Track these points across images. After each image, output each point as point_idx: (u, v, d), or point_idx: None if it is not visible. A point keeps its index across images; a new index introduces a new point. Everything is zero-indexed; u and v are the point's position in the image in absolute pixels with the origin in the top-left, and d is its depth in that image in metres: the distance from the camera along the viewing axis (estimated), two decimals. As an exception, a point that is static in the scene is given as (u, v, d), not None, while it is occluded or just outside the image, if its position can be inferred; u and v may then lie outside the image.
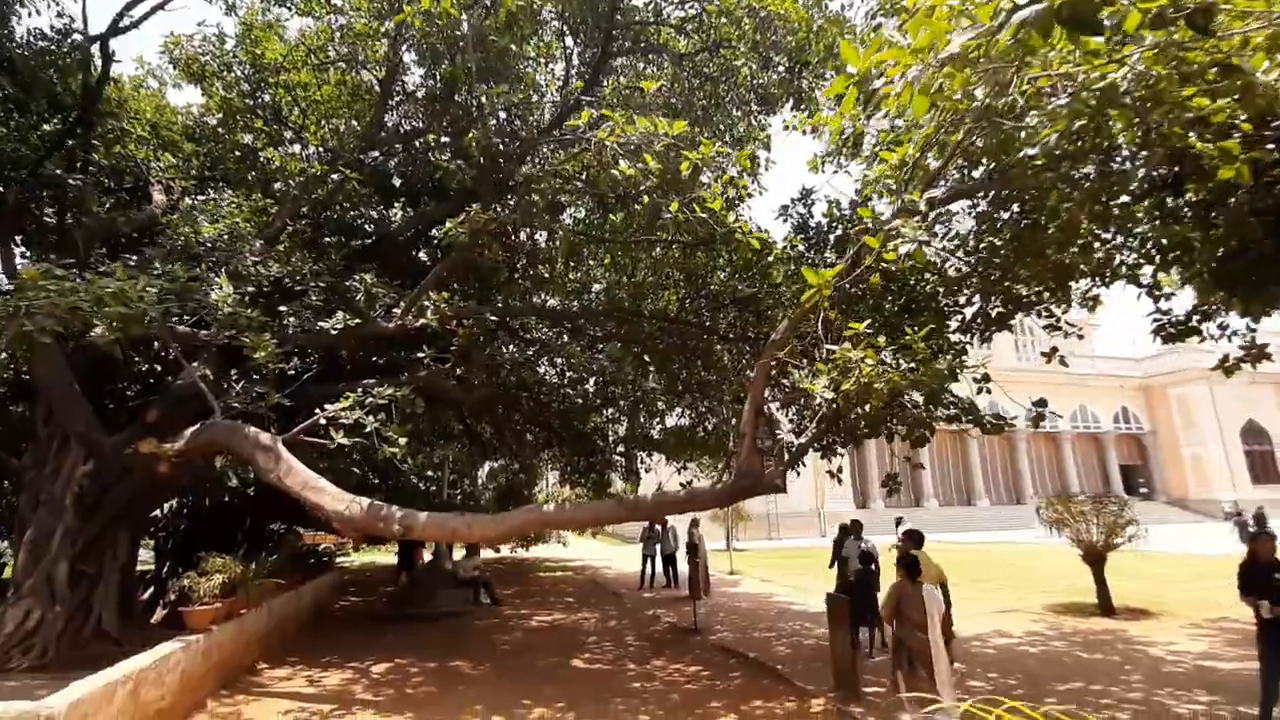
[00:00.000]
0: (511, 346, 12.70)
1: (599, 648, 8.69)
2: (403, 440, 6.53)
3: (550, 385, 14.99)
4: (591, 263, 12.00)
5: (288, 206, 10.04)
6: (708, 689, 6.62)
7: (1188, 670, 6.99)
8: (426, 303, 7.48)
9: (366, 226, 11.02)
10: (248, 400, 7.45)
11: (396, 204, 11.80)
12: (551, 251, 12.01)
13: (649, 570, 14.56)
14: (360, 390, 6.92)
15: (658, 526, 14.97)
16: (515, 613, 11.73)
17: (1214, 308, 6.71)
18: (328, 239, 10.75)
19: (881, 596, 6.70)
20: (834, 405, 6.51)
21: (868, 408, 5.80)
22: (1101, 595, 10.13)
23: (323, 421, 6.51)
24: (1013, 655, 7.78)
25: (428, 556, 13.99)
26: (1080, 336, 7.82)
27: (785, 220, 9.07)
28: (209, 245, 8.04)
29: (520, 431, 16.33)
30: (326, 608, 12.20)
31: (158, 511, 9.37)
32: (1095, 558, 10.19)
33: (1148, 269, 6.64)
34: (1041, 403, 6.28)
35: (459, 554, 13.24)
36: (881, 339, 5.01)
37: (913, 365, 4.90)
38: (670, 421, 14.48)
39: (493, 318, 7.75)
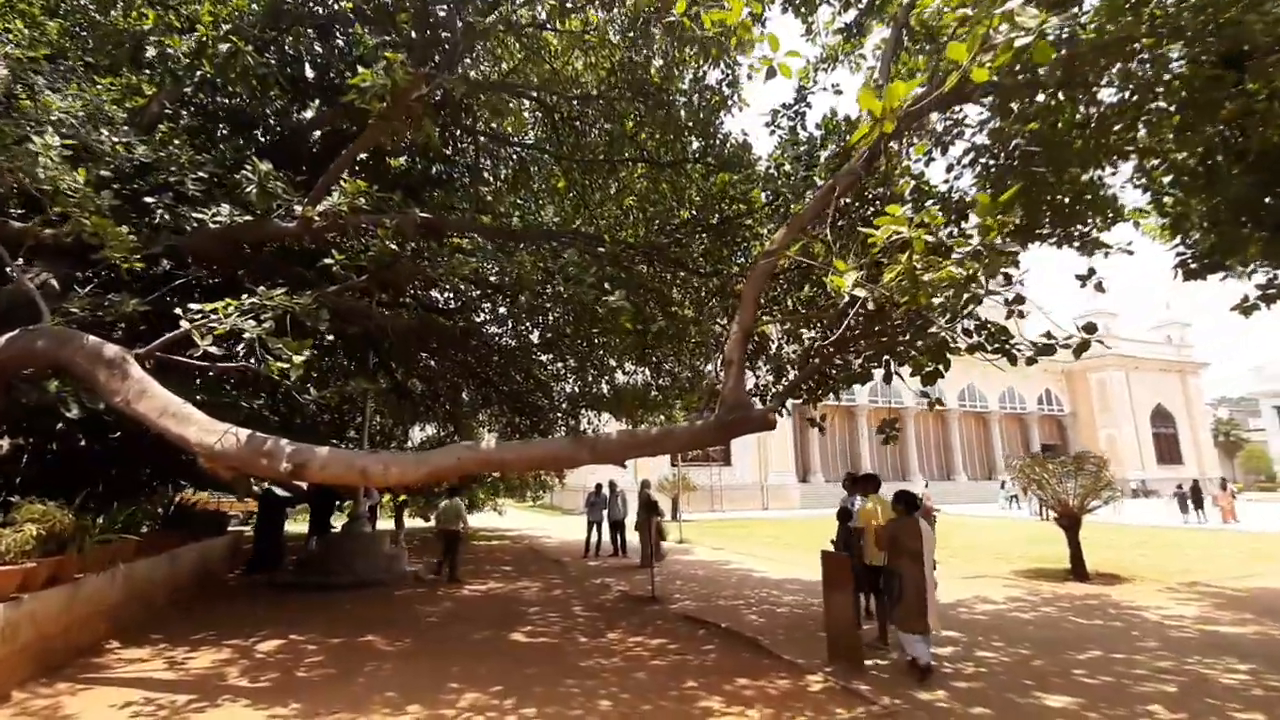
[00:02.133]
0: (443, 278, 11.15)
1: (543, 619, 7.44)
2: (299, 358, 5.00)
3: (488, 334, 13.51)
4: (541, 188, 10.52)
5: (167, 88, 8.12)
6: (678, 665, 5.48)
7: (1196, 635, 6.37)
8: (336, 195, 5.89)
9: (269, 120, 9.12)
10: (94, 309, 5.73)
11: (310, 103, 9.90)
12: (497, 169, 10.45)
13: (594, 538, 13.37)
14: (244, 296, 5.35)
15: (604, 490, 13.78)
16: (443, 581, 10.31)
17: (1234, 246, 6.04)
18: (221, 131, 8.84)
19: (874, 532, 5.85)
20: (857, 315, 5.44)
21: (902, 311, 4.76)
22: (1075, 560, 9.64)
23: (185, 325, 4.90)
24: (1008, 622, 7.02)
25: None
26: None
27: (773, 132, 7.89)
28: (58, 124, 6.15)
29: (454, 385, 14.78)
30: (217, 576, 10.42)
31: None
32: (1071, 521, 9.69)
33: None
34: (1090, 328, 5.33)
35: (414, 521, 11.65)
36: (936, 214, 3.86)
37: (978, 250, 3.78)
38: (620, 379, 13.28)
39: (422, 215, 6.21)
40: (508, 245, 8.50)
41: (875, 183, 6.78)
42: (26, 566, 4.66)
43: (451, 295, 11.70)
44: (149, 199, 6.73)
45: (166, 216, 6.74)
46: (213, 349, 4.88)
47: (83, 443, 8.47)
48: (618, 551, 13.10)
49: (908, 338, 5.57)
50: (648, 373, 12.10)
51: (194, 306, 4.99)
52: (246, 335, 4.83)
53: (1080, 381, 43.62)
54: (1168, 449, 42.34)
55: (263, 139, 8.91)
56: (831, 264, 5.44)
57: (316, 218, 6.19)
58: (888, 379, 6.58)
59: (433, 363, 14.67)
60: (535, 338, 13.57)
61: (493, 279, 11.21)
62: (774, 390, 7.86)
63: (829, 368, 6.67)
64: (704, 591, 9.04)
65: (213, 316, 4.92)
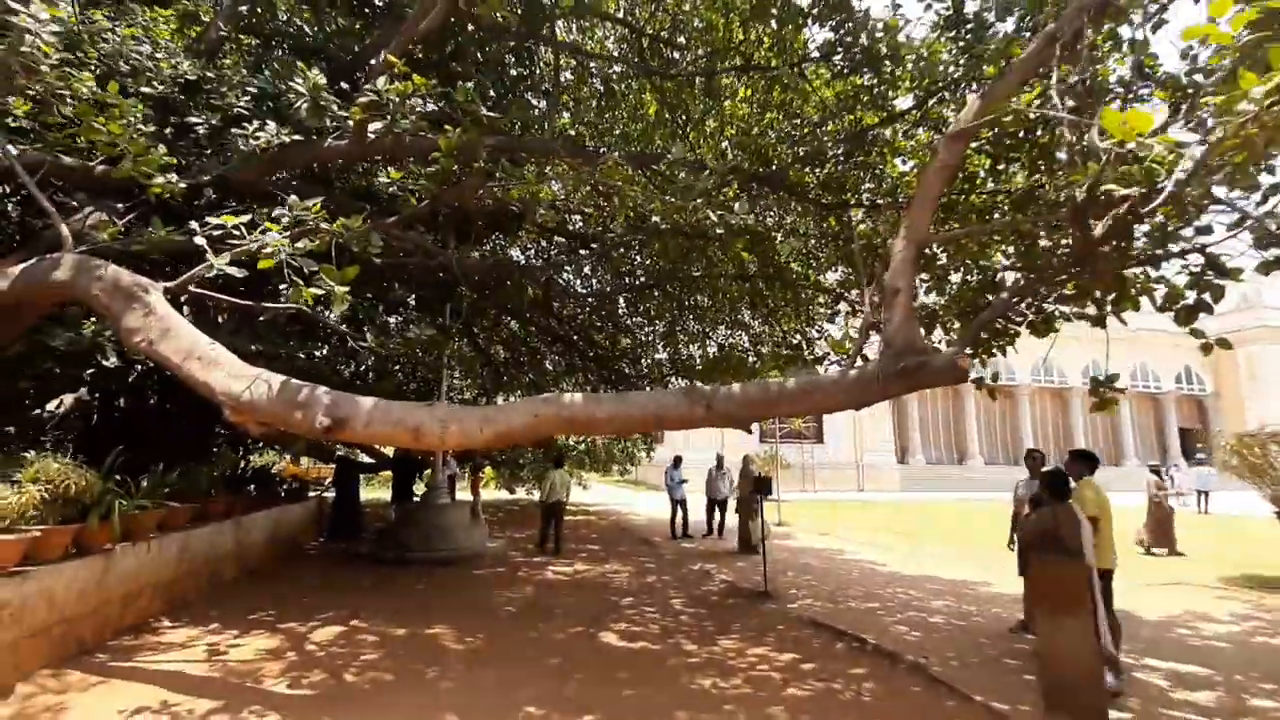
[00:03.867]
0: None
1: (639, 615, 6.23)
2: (341, 288, 3.92)
3: (572, 291, 12.40)
4: (629, 117, 9.13)
5: (225, 9, 7.32)
6: (824, 697, 4.10)
7: None
8: (384, 83, 4.72)
9: (332, 44, 8.20)
10: (123, 239, 4.92)
11: (376, 26, 8.94)
12: (579, 90, 9.13)
13: (680, 516, 12.04)
14: (280, 205, 4.35)
15: (679, 466, 12.40)
16: (526, 560, 9.36)
17: None
18: (279, 54, 8.01)
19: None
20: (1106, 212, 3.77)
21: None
22: (1313, 568, 7.47)
23: (200, 242, 3.92)
24: (1262, 653, 5.17)
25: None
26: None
27: (928, 6, 6.10)
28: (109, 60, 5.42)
29: (538, 351, 13.85)
30: (299, 544, 9.95)
31: (41, 410, 6.97)
32: (1308, 517, 7.50)
33: None
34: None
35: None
36: None
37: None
38: (713, 348, 11.87)
39: (490, 114, 4.98)
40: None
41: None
42: (29, 535, 3.85)
43: (531, 249, 10.59)
44: (193, 118, 5.90)
45: (208, 139, 5.92)
46: (231, 270, 3.88)
47: (153, 400, 8.04)
48: (712, 531, 11.76)
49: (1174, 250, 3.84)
50: (751, 332, 10.64)
51: (211, 220, 4.00)
52: (268, 250, 3.78)
53: (1225, 357, 38.03)
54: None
55: (324, 65, 8.01)
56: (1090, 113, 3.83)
57: (369, 123, 5.11)
58: (1100, 320, 4.89)
59: (514, 325, 13.83)
60: (623, 301, 12.41)
61: (578, 224, 10.05)
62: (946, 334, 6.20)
63: (1030, 301, 4.97)
64: (825, 589, 7.57)
65: (232, 230, 3.91)
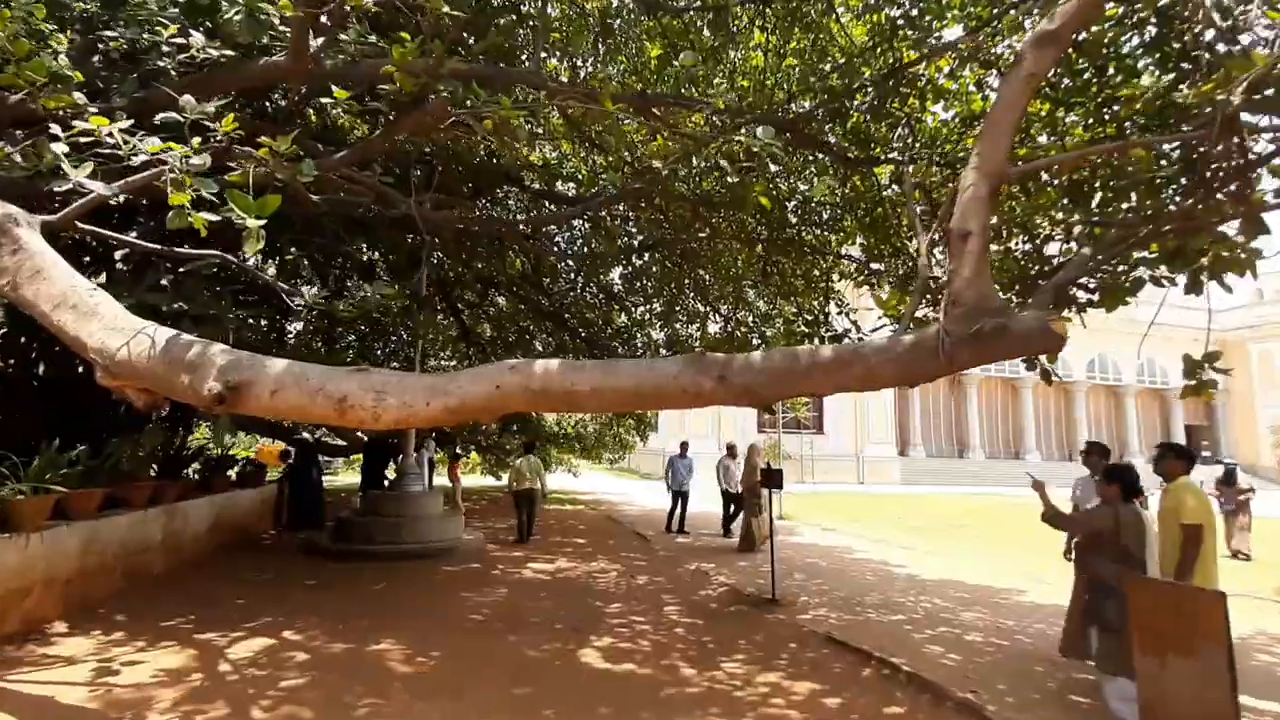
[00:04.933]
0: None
1: (627, 626, 5.36)
2: (255, 221, 2.97)
3: (566, 265, 11.49)
4: (627, 60, 8.13)
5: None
6: (859, 747, 3.24)
7: None
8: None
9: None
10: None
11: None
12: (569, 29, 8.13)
13: (680, 509, 11.13)
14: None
15: (687, 454, 11.49)
16: (504, 555, 8.48)
17: None
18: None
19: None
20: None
21: None
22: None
23: (57, 151, 2.97)
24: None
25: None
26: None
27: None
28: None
29: (528, 330, 12.95)
30: (251, 534, 9.06)
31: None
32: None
33: None
34: None
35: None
36: None
37: None
38: (714, 329, 10.98)
39: (455, 13, 4.01)
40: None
41: None
42: None
43: (515, 204, 9.61)
44: (109, 32, 4.94)
45: (125, 57, 4.95)
46: (94, 184, 2.94)
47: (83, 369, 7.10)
48: (729, 531, 10.71)
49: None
50: (758, 311, 9.73)
51: (78, 124, 3.05)
52: (171, 173, 2.85)
53: (1237, 353, 37.27)
54: (1347, 433, 35.72)
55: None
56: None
57: (308, 29, 4.14)
58: (1196, 287, 4.02)
59: (501, 300, 12.92)
60: (618, 276, 11.49)
61: (570, 189, 9.08)
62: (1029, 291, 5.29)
63: (1108, 262, 4.06)
64: (840, 594, 6.71)
65: (105, 137, 2.97)
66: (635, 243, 8.44)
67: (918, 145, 6.17)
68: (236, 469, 9.28)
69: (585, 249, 10.33)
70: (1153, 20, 4.50)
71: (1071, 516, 4.00)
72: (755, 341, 9.64)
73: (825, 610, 6.01)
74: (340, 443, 11.99)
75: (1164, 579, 3.51)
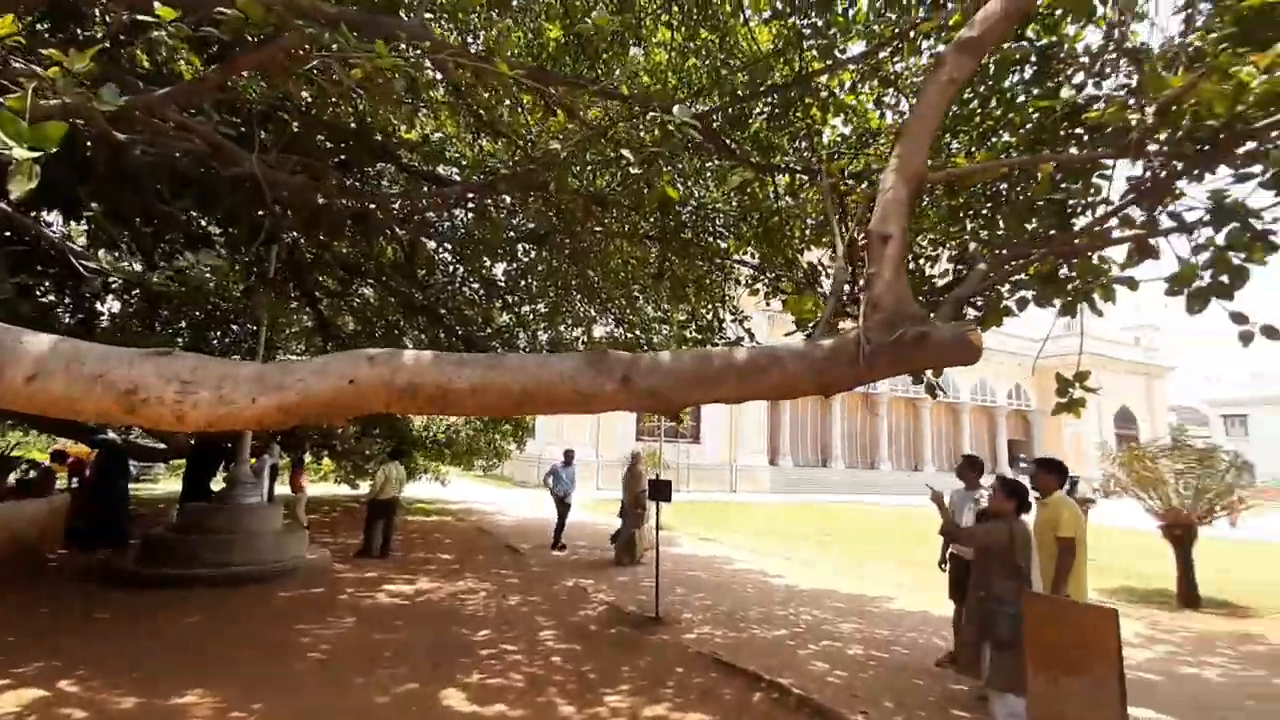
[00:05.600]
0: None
1: (499, 656, 4.77)
2: (28, 154, 2.11)
3: (440, 260, 10.65)
4: (519, 34, 7.59)
5: None
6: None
7: None
8: None
9: None
10: None
11: None
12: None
13: (563, 521, 10.53)
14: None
15: (572, 463, 11.02)
16: (356, 576, 7.51)
17: None
18: None
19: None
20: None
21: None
22: (1186, 582, 7.54)
23: None
24: (1183, 684, 4.75)
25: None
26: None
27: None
28: None
29: (397, 325, 11.86)
30: (35, 554, 7.36)
31: None
32: (1184, 531, 7.57)
33: None
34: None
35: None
36: None
37: None
38: (601, 332, 10.66)
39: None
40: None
41: None
42: None
43: (390, 183, 8.69)
44: None
45: None
46: None
47: None
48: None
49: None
50: (647, 315, 9.47)
51: None
52: None
53: (1048, 378, 43.02)
54: (1125, 446, 42.26)
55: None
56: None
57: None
58: (1069, 310, 4.20)
59: (368, 291, 11.75)
60: (501, 272, 10.79)
61: (453, 174, 8.33)
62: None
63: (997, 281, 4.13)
64: (722, 609, 6.53)
65: None
66: (523, 233, 7.86)
67: (815, 159, 6.18)
68: (17, 474, 7.55)
69: (468, 238, 9.57)
70: (1033, 59, 4.73)
71: (970, 530, 4.01)
72: (643, 347, 9.39)
73: (709, 628, 5.77)
74: (159, 445, 10.23)
75: (1055, 595, 3.56)
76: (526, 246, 8.74)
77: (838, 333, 3.10)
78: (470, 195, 7.75)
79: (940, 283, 5.35)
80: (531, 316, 11.22)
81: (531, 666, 4.59)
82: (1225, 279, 3.15)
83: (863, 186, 5.50)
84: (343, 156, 7.28)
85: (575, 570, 8.35)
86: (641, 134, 5.11)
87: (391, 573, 7.73)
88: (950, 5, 4.79)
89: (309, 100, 5.91)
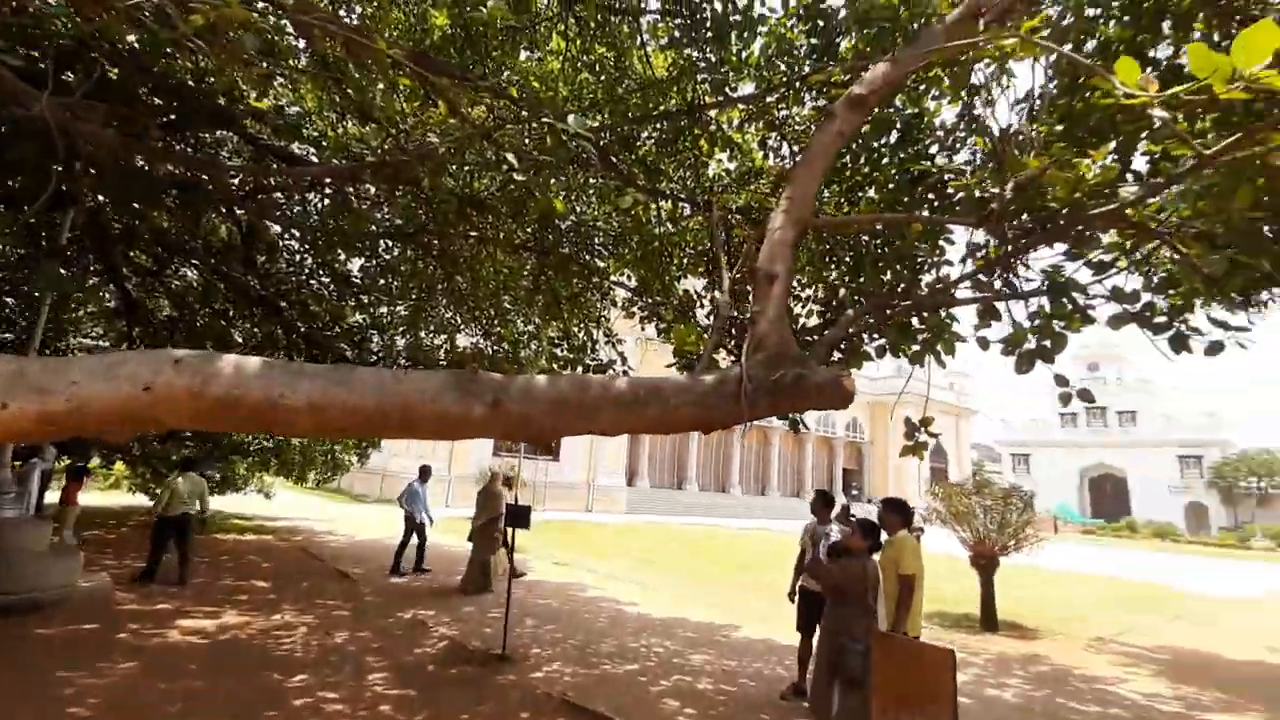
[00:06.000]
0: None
1: (315, 707, 4.15)
2: None
3: (286, 247, 9.60)
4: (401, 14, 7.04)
5: None
6: None
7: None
8: None
9: None
10: None
11: None
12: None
13: (416, 542, 9.61)
14: None
15: (428, 480, 10.26)
16: (145, 608, 6.32)
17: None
18: None
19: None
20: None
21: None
22: (988, 607, 8.47)
23: None
24: (997, 706, 5.23)
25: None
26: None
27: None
28: None
29: (226, 314, 10.46)
30: None
31: None
32: (988, 561, 8.51)
33: None
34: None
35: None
36: None
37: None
38: (465, 342, 10.16)
39: None
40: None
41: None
42: None
43: (232, 154, 7.65)
44: None
45: None
46: None
47: None
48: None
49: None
50: (516, 330, 9.09)
51: None
52: None
53: (881, 413, 47.73)
54: (938, 480, 47.87)
55: None
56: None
57: None
58: (918, 359, 4.49)
59: (190, 273, 10.24)
60: (358, 268, 9.87)
61: (309, 152, 7.49)
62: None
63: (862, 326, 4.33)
64: (574, 643, 6.25)
65: None
66: (388, 228, 7.20)
67: (699, 190, 6.27)
68: None
69: (322, 226, 8.64)
70: (898, 126, 5.13)
71: (829, 569, 4.10)
72: (510, 361, 8.99)
73: (560, 664, 5.48)
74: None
75: (896, 633, 3.72)
76: (390, 243, 8.06)
77: (718, 368, 3.04)
78: (330, 180, 7.03)
79: (806, 324, 5.61)
80: (389, 319, 10.39)
81: (354, 717, 4.03)
82: (1049, 344, 3.48)
83: (744, 222, 5.64)
84: (172, 116, 6.27)
85: (415, 600, 7.66)
86: (528, 141, 4.86)
87: (190, 605, 6.60)
88: (832, 65, 5.09)
89: (135, 44, 5.03)
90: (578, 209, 7.33)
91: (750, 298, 3.22)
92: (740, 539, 19.36)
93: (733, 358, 4.96)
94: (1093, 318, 3.42)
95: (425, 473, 10.05)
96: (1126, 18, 3.75)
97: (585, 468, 30.20)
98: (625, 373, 6.44)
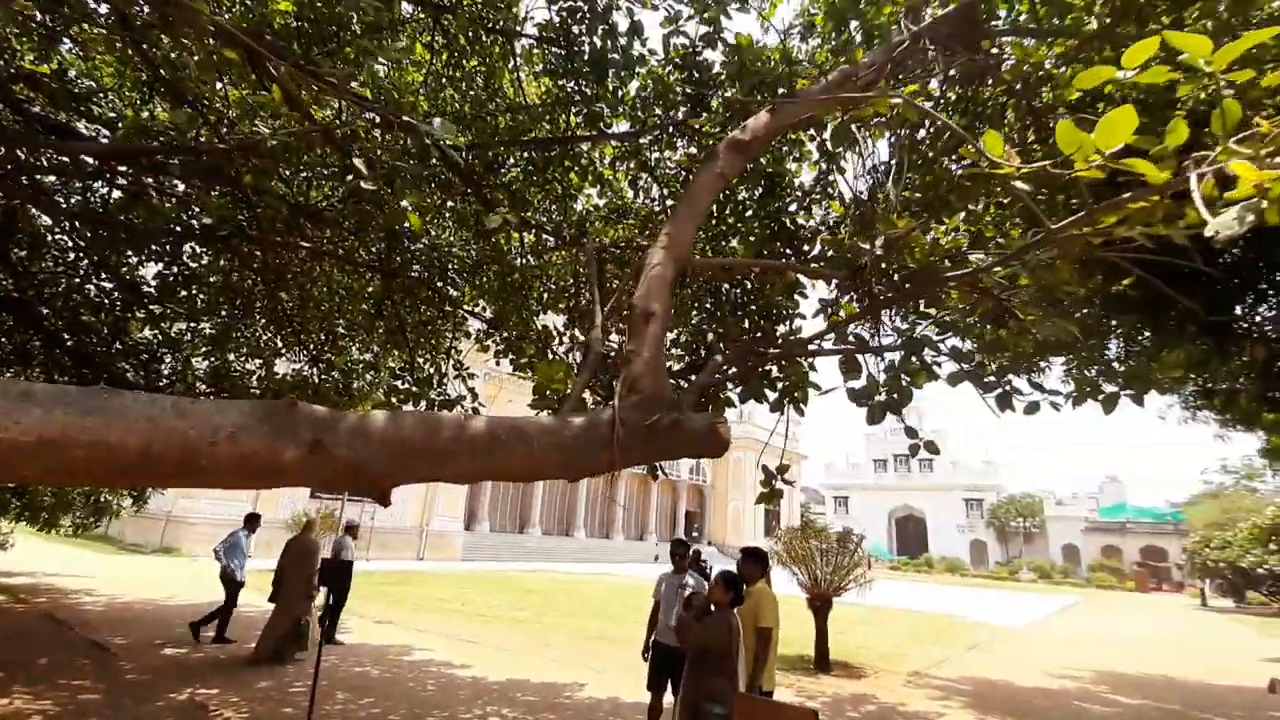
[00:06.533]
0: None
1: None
2: None
3: (56, 241, 7.98)
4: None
5: None
6: None
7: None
8: None
9: None
10: None
11: None
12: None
13: (228, 604, 7.92)
14: None
15: (255, 530, 8.60)
16: None
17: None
18: None
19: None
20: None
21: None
22: (821, 649, 8.80)
23: None
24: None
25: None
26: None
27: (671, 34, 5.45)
28: None
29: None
30: None
31: None
32: (823, 603, 8.89)
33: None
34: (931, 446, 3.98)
35: None
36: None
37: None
38: (284, 368, 9.01)
39: None
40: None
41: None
42: None
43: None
44: None
45: None
46: None
47: None
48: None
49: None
50: (349, 358, 8.17)
51: None
52: None
53: (720, 460, 50.03)
54: (770, 523, 50.78)
55: None
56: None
57: None
58: (778, 407, 4.57)
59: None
60: (153, 275, 8.36)
61: (97, 128, 6.25)
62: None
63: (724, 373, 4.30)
64: (395, 718, 5.44)
65: None
66: (195, 230, 6.11)
67: (566, 223, 6.07)
68: None
69: (108, 221, 7.20)
70: (762, 182, 5.34)
71: (696, 630, 3.83)
72: (340, 394, 8.01)
73: (379, 749, 4.70)
74: None
75: (752, 691, 3.57)
76: (198, 248, 6.92)
77: (587, 409, 2.78)
78: (122, 167, 5.91)
79: (671, 367, 5.54)
80: (189, 336, 8.84)
81: None
82: (896, 397, 3.63)
83: (611, 260, 5.49)
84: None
85: (195, 676, 6.30)
86: (380, 152, 4.35)
87: None
88: (705, 115, 5.20)
89: None
90: (433, 231, 6.79)
91: (626, 336, 3.00)
92: (584, 585, 18.88)
93: (598, 399, 4.71)
94: (937, 374, 3.62)
95: (253, 522, 8.50)
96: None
97: (419, 511, 28.07)
98: (476, 410, 5.93)
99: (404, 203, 4.08)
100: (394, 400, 6.76)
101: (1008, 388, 3.56)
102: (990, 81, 4.09)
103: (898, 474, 60.84)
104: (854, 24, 4.47)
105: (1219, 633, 18.56)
